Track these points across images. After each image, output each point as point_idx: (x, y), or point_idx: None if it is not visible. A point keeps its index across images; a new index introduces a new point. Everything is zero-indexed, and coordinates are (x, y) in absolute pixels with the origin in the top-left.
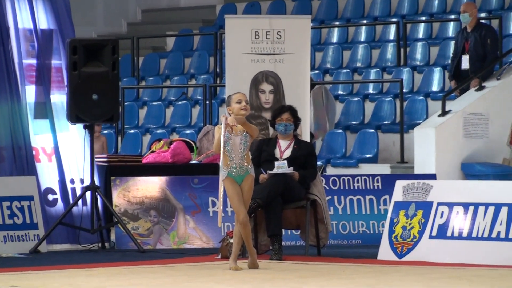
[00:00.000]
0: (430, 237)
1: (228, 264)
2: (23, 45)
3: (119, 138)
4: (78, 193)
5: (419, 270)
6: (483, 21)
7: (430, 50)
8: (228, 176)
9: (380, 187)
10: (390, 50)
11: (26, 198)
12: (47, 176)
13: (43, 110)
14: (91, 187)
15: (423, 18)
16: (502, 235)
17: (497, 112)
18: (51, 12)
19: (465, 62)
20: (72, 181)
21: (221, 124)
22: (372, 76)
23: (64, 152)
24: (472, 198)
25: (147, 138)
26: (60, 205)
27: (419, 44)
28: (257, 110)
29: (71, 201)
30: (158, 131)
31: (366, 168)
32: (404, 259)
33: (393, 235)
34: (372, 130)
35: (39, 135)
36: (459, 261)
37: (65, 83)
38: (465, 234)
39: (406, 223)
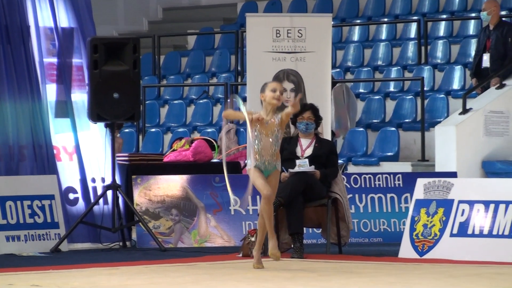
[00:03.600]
0: (451, 235)
1: (250, 262)
2: (44, 43)
3: (140, 137)
4: (99, 192)
5: (440, 268)
6: (504, 19)
7: (451, 48)
8: (255, 167)
9: (401, 185)
10: (411, 48)
11: (47, 197)
12: (68, 175)
13: (64, 108)
14: (112, 186)
15: (444, 16)
16: None
17: None
18: (72, 11)
19: (486, 60)
20: (93, 180)
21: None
22: (393, 74)
23: (85, 151)
24: (493, 196)
25: (168, 136)
26: (81, 204)
27: (440, 42)
28: (278, 108)
29: (92, 200)
30: (179, 130)
31: (387, 166)
32: (425, 257)
33: (414, 233)
34: (393, 128)
35: (60, 134)
36: (480, 259)
37: (86, 81)
38: (486, 232)
39: (427, 221)
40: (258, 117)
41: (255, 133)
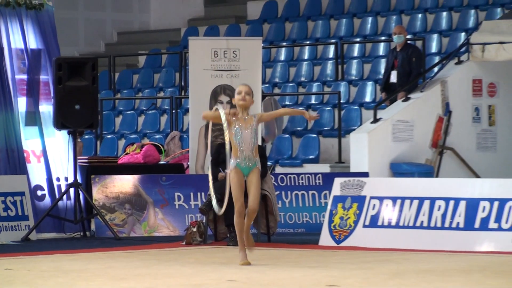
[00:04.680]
0: (364, 226)
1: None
2: (16, 62)
3: (98, 142)
4: (63, 189)
5: (355, 254)
6: (409, 41)
7: (364, 66)
8: (236, 167)
9: (321, 184)
10: (329, 66)
11: (18, 193)
12: (37, 175)
13: (33, 118)
14: (74, 184)
15: (358, 39)
16: (425, 224)
17: (421, 120)
18: (40, 34)
19: (394, 77)
20: (58, 179)
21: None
22: (314, 89)
23: (51, 154)
24: (399, 193)
25: (122, 142)
26: (47, 199)
27: (354, 61)
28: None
29: (57, 196)
30: (131, 136)
31: (309, 168)
32: (341, 245)
33: (332, 224)
34: (314, 135)
35: (29, 140)
36: (388, 246)
37: (52, 95)
38: (393, 223)
39: (343, 214)
40: (235, 112)
41: (235, 128)
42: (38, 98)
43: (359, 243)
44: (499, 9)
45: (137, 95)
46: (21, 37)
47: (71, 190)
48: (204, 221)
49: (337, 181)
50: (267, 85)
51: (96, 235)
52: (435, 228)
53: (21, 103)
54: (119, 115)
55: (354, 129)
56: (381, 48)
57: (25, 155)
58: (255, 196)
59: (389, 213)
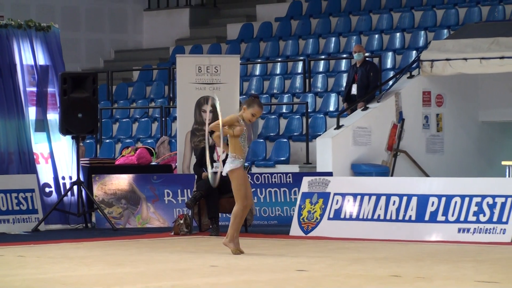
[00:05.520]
0: (329, 218)
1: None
2: (27, 77)
3: (98, 146)
4: (68, 186)
5: (320, 243)
6: (368, 58)
7: (328, 80)
8: (242, 166)
9: (291, 182)
10: (298, 80)
11: (29, 190)
12: (45, 174)
13: (42, 125)
14: (77, 182)
15: (323, 56)
16: (382, 217)
17: (378, 126)
18: (47, 52)
19: (354, 89)
20: (63, 178)
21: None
22: (285, 100)
23: (57, 156)
24: (359, 190)
25: (119, 146)
26: (54, 195)
27: (320, 76)
28: (200, 124)
29: (62, 193)
30: (127, 141)
31: (281, 168)
32: (309, 235)
33: (301, 217)
34: (285, 140)
35: (38, 144)
36: (349, 236)
37: (58, 105)
38: (354, 216)
39: (311, 208)
40: (239, 132)
41: (242, 134)
42: (46, 107)
43: (324, 234)
44: (445, 31)
45: (131, 105)
46: (31, 55)
47: (75, 187)
48: (190, 214)
49: (305, 180)
50: (244, 96)
51: (96, 226)
52: (391, 220)
53: (31, 112)
54: (116, 122)
55: (319, 135)
56: (343, 64)
57: (34, 157)
58: (251, 192)
59: (350, 207)
